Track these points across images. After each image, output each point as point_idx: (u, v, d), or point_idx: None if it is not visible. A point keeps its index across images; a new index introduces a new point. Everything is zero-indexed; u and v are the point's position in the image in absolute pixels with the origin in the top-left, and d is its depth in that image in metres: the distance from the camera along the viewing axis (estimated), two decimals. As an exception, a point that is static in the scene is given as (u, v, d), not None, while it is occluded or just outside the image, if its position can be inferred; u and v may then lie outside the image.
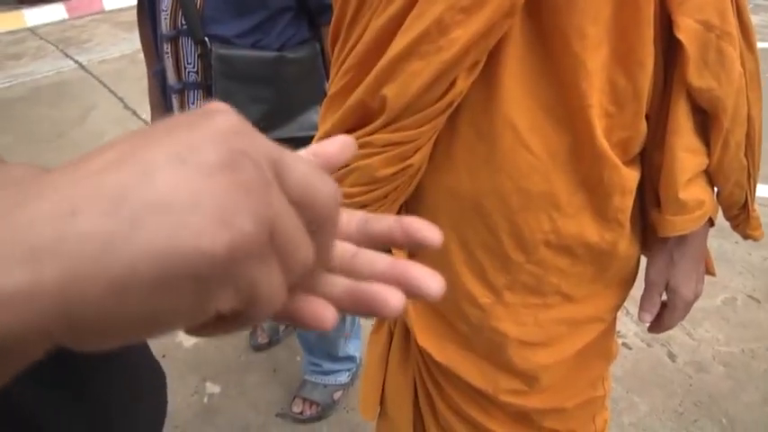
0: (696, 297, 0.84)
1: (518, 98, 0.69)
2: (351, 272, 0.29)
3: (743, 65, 0.69)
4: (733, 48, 0.66)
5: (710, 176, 0.77)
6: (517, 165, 0.72)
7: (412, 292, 0.26)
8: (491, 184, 0.74)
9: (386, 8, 0.67)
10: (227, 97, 1.25)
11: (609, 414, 1.03)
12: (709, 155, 0.74)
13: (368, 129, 0.71)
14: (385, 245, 0.30)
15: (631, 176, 0.75)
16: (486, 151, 0.72)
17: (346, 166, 0.73)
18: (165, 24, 1.27)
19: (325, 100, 0.76)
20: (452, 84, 0.67)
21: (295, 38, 1.29)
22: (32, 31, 6.75)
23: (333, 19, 0.77)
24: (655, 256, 0.83)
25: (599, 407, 0.99)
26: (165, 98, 1.41)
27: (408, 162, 0.72)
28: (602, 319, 0.86)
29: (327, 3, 1.24)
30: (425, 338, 0.90)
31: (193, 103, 1.33)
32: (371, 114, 0.71)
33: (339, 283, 0.28)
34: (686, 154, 0.72)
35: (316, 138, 0.76)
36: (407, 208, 0.84)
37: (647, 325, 0.89)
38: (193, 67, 1.29)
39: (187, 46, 1.28)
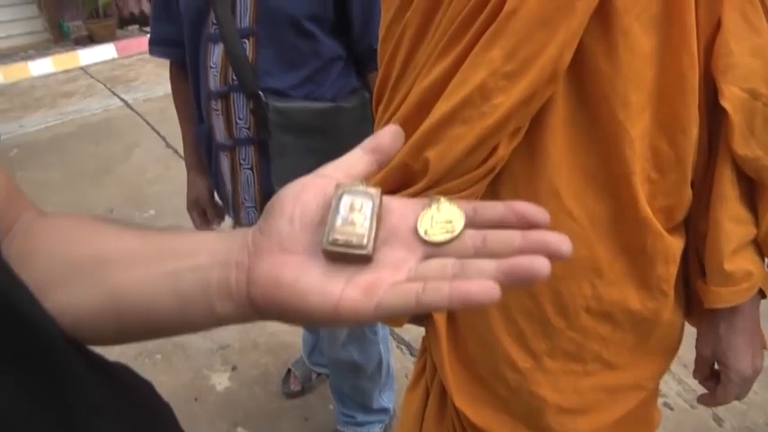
0: (755, 372, 0.81)
1: (561, 165, 0.70)
2: (489, 254, 0.32)
3: None
4: None
5: (760, 246, 0.76)
6: (559, 230, 0.73)
7: (550, 255, 0.31)
8: None
9: (430, 72, 0.70)
10: (283, 150, 1.26)
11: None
12: (757, 224, 0.73)
13: (410, 191, 0.73)
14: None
15: (675, 244, 0.74)
16: None
17: None
18: (214, 81, 1.27)
19: None
20: (494, 149, 0.69)
21: (346, 87, 1.31)
22: (84, 69, 7.10)
23: (377, 80, 0.82)
24: (702, 328, 0.82)
25: None
26: (209, 157, 1.41)
27: None
28: (643, 387, 0.85)
29: (376, 48, 1.30)
30: (462, 399, 0.90)
31: (245, 160, 1.32)
32: (414, 176, 0.74)
33: (487, 266, 0.31)
34: (732, 224, 0.71)
35: None
36: None
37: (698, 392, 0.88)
38: (245, 123, 1.28)
39: (238, 101, 1.27)
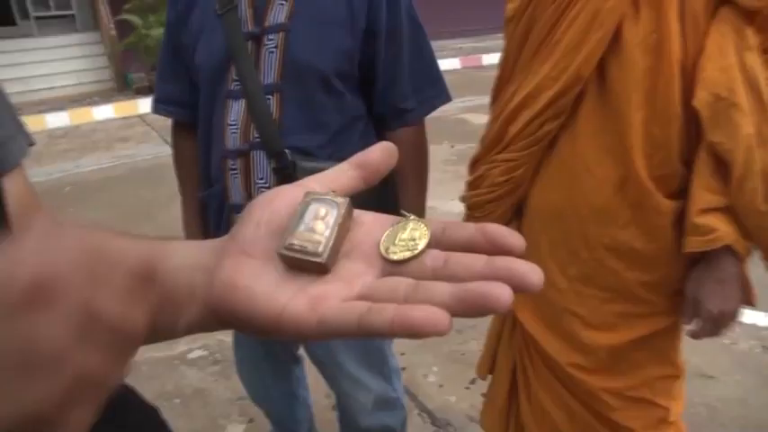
0: (722, 315, 1.07)
1: (588, 140, 1.09)
2: (448, 277, 0.30)
3: (758, 132, 0.99)
4: (741, 115, 0.98)
5: (733, 213, 1.04)
6: (586, 186, 1.10)
7: (515, 286, 0.27)
8: (570, 198, 1.13)
9: (516, 80, 1.18)
10: None
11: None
12: (727, 194, 1.03)
13: (496, 150, 1.18)
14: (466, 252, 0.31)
15: (666, 204, 1.07)
16: (567, 175, 1.12)
17: (481, 176, 1.22)
18: (233, 139, 1.25)
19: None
20: (541, 126, 1.10)
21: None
22: (142, 117, 7.48)
23: (495, 83, 1.24)
24: (690, 275, 1.11)
25: (660, 419, 1.23)
26: (218, 220, 1.38)
27: (514, 174, 1.15)
28: (648, 317, 1.15)
29: (401, 107, 1.32)
30: (522, 313, 1.26)
31: None
32: (498, 141, 1.17)
33: (442, 290, 0.29)
34: (702, 191, 1.03)
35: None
36: (520, 213, 1.25)
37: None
38: (265, 182, 1.25)
39: (260, 160, 1.24)
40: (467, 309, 0.28)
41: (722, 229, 1.01)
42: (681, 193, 1.08)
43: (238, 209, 1.29)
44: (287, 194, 0.36)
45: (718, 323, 1.09)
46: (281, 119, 1.22)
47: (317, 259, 0.32)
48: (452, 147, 5.44)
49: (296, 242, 0.33)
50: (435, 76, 1.37)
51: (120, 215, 4.32)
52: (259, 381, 1.68)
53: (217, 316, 0.35)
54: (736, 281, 1.06)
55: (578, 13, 1.03)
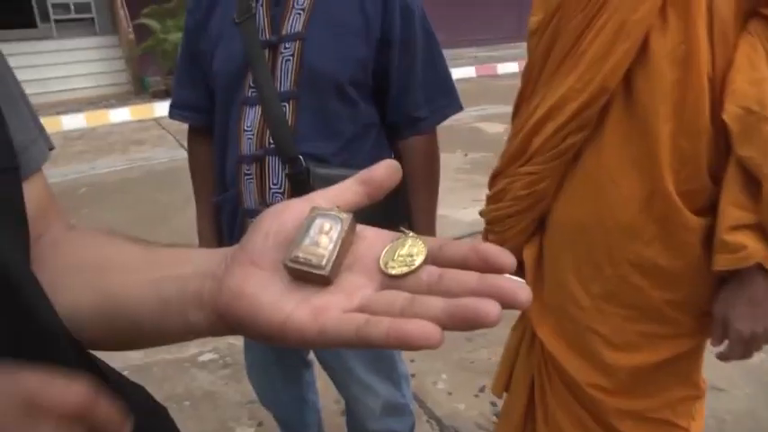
0: (753, 336, 1.04)
1: (614, 152, 1.07)
2: (442, 292, 0.32)
3: None
4: None
5: (764, 230, 1.01)
6: (612, 199, 1.08)
7: (505, 302, 0.29)
8: (594, 212, 1.10)
9: (540, 92, 1.15)
10: None
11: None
12: (757, 212, 1.01)
13: (519, 162, 1.16)
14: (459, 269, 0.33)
15: (694, 219, 1.04)
16: (592, 189, 1.10)
17: (502, 189, 1.20)
18: (248, 144, 1.27)
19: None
20: (565, 138, 1.08)
21: (380, 157, 1.35)
22: (157, 121, 7.55)
23: (517, 96, 1.22)
24: (718, 295, 1.08)
25: None
26: (231, 224, 1.39)
27: (537, 187, 1.13)
28: (673, 339, 1.12)
29: (414, 116, 1.34)
30: (542, 330, 1.23)
31: None
32: (521, 154, 1.15)
33: (435, 304, 0.31)
34: (732, 207, 1.00)
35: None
36: (542, 228, 1.22)
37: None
38: (279, 188, 1.28)
39: (274, 165, 1.26)
40: (458, 323, 0.30)
41: (752, 247, 0.98)
42: (709, 210, 1.05)
43: (252, 213, 1.30)
44: (294, 208, 0.38)
45: (749, 345, 1.05)
46: (295, 126, 1.24)
47: (321, 272, 0.35)
48: (466, 155, 5.44)
49: (301, 255, 0.35)
50: (448, 86, 1.39)
51: (135, 217, 4.36)
52: (269, 384, 1.69)
53: (224, 321, 0.37)
54: (767, 300, 1.03)
55: (605, 23, 1.01)
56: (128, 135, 7.14)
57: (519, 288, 0.30)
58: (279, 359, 1.64)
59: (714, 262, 1.02)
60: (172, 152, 6.15)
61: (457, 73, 10.21)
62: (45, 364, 0.38)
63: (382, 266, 0.35)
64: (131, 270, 0.44)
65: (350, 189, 0.39)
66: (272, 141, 1.24)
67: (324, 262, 0.35)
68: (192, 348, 2.66)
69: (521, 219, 1.19)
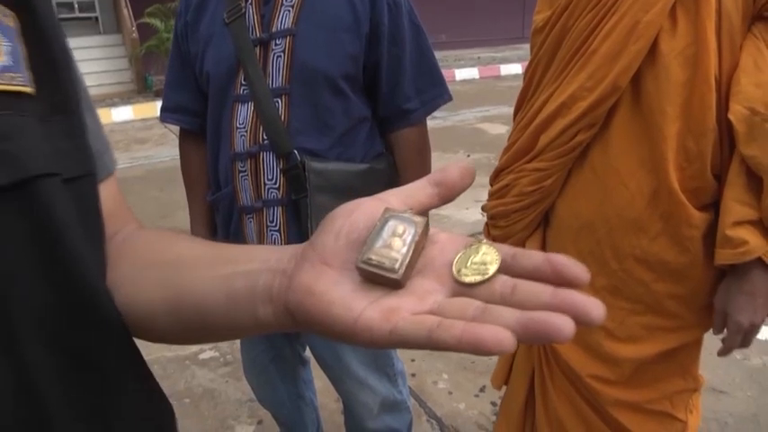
0: (752, 328, 1.08)
1: (621, 151, 1.09)
2: (515, 304, 0.31)
3: None
4: None
5: (765, 226, 1.04)
6: (618, 197, 1.10)
7: (578, 319, 0.29)
8: (600, 209, 1.12)
9: (547, 89, 1.16)
10: (321, 211, 1.26)
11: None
12: (759, 208, 1.03)
13: (525, 159, 1.17)
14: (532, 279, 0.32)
15: (698, 216, 1.07)
16: (599, 185, 1.12)
17: (507, 185, 1.20)
18: (242, 141, 1.28)
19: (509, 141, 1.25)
20: (575, 135, 1.09)
21: (373, 150, 1.37)
22: (160, 120, 7.49)
23: (520, 92, 1.24)
24: (720, 287, 1.11)
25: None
26: (227, 223, 1.40)
27: (544, 183, 1.15)
28: (679, 329, 1.15)
29: (404, 108, 1.36)
30: None
31: (272, 222, 1.31)
32: (528, 150, 1.17)
33: (508, 315, 0.30)
34: (735, 203, 1.03)
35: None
36: (546, 222, 1.24)
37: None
38: (274, 184, 1.28)
39: (269, 161, 1.27)
40: (530, 336, 0.29)
41: (754, 242, 1.02)
42: (711, 206, 1.08)
43: (248, 210, 1.32)
44: (366, 207, 0.38)
45: (748, 335, 1.09)
46: (288, 121, 1.25)
47: (393, 275, 0.34)
48: (468, 156, 5.44)
49: (374, 257, 0.35)
50: (436, 76, 1.41)
51: (138, 215, 4.29)
52: (266, 383, 1.69)
53: (293, 317, 0.38)
54: (766, 293, 1.07)
55: (616, 24, 1.03)
56: (131, 134, 7.15)
57: (592, 305, 0.30)
58: (276, 357, 1.64)
59: (717, 256, 1.05)
60: (174, 151, 6.08)
61: (460, 74, 10.22)
62: (95, 340, 0.42)
63: (455, 273, 0.34)
64: (201, 266, 0.46)
65: (423, 190, 0.39)
66: (265, 137, 1.26)
67: (397, 266, 0.34)
68: (192, 346, 2.66)
69: (526, 214, 1.20)
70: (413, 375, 2.37)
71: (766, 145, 0.98)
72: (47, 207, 0.39)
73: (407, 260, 0.35)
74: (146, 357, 0.48)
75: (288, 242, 1.32)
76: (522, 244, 1.24)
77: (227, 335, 0.46)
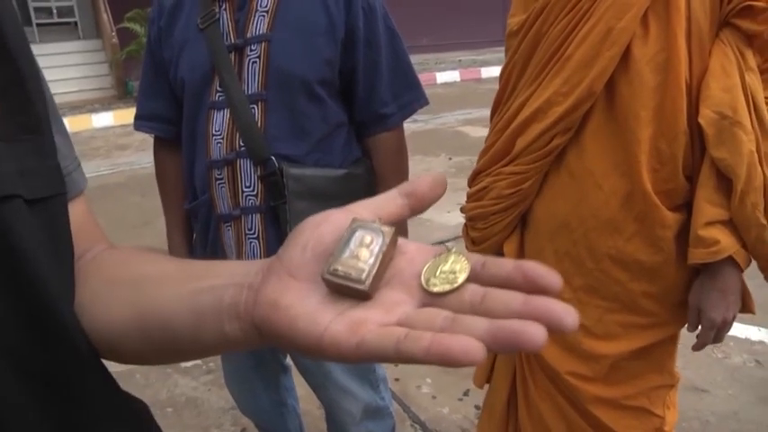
0: (724, 323, 1.12)
1: (596, 154, 1.11)
2: (485, 313, 0.31)
3: (758, 149, 1.03)
4: (744, 132, 1.02)
5: (735, 226, 1.07)
6: (593, 198, 1.12)
7: (550, 326, 0.28)
8: (577, 210, 1.14)
9: (525, 92, 1.17)
10: (299, 217, 1.24)
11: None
12: (729, 209, 1.07)
13: (502, 162, 1.19)
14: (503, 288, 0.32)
15: (671, 216, 1.10)
16: (575, 188, 1.14)
17: (485, 188, 1.21)
18: (218, 149, 1.26)
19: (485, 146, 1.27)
20: (551, 140, 1.11)
21: (350, 156, 1.36)
22: (141, 126, 7.43)
23: (496, 95, 1.25)
24: (694, 284, 1.14)
25: (656, 429, 1.24)
26: (205, 232, 1.38)
27: (522, 186, 1.16)
28: (650, 329, 1.18)
29: (381, 112, 1.36)
30: None
31: (251, 230, 1.29)
32: (505, 154, 1.18)
33: (478, 324, 0.30)
34: (706, 204, 1.06)
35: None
36: (523, 223, 1.25)
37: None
38: (252, 191, 1.27)
39: (246, 168, 1.26)
40: (500, 345, 0.28)
41: (725, 241, 1.05)
42: (684, 207, 1.11)
43: (226, 218, 1.30)
44: (334, 219, 0.37)
45: (720, 331, 1.13)
46: (265, 127, 1.24)
47: (360, 286, 0.34)
48: (450, 159, 5.44)
49: (340, 268, 0.34)
50: (412, 80, 1.40)
51: (119, 222, 4.31)
52: (248, 392, 1.68)
53: (260, 333, 0.37)
54: (737, 290, 1.10)
55: (590, 30, 1.05)
56: (111, 140, 7.08)
57: (565, 312, 0.29)
58: (257, 365, 1.63)
59: (690, 256, 1.08)
60: (155, 156, 6.09)
61: (441, 77, 10.23)
62: (63, 364, 0.41)
63: (424, 283, 0.34)
64: (168, 283, 0.45)
65: (393, 201, 0.38)
66: (242, 144, 1.24)
67: (363, 276, 0.34)
68: (174, 354, 2.63)
69: (504, 216, 1.22)
70: (396, 380, 2.36)
71: (734, 148, 1.01)
72: (7, 231, 0.38)
73: (375, 270, 0.34)
74: (127, 367, 0.47)
75: (267, 249, 1.31)
76: (500, 245, 1.26)
77: (196, 353, 0.44)
